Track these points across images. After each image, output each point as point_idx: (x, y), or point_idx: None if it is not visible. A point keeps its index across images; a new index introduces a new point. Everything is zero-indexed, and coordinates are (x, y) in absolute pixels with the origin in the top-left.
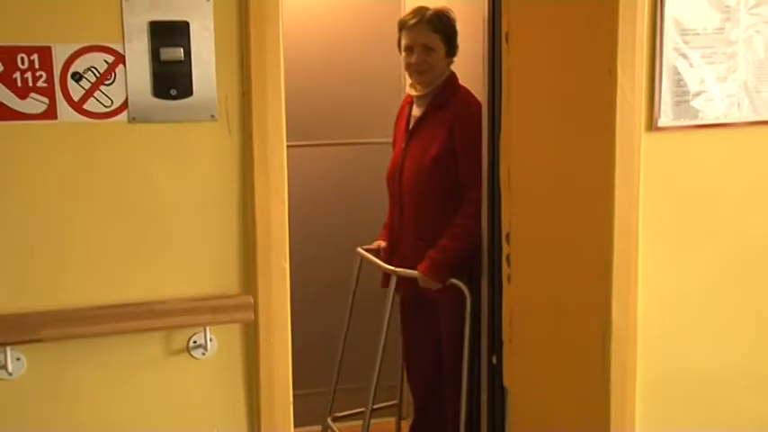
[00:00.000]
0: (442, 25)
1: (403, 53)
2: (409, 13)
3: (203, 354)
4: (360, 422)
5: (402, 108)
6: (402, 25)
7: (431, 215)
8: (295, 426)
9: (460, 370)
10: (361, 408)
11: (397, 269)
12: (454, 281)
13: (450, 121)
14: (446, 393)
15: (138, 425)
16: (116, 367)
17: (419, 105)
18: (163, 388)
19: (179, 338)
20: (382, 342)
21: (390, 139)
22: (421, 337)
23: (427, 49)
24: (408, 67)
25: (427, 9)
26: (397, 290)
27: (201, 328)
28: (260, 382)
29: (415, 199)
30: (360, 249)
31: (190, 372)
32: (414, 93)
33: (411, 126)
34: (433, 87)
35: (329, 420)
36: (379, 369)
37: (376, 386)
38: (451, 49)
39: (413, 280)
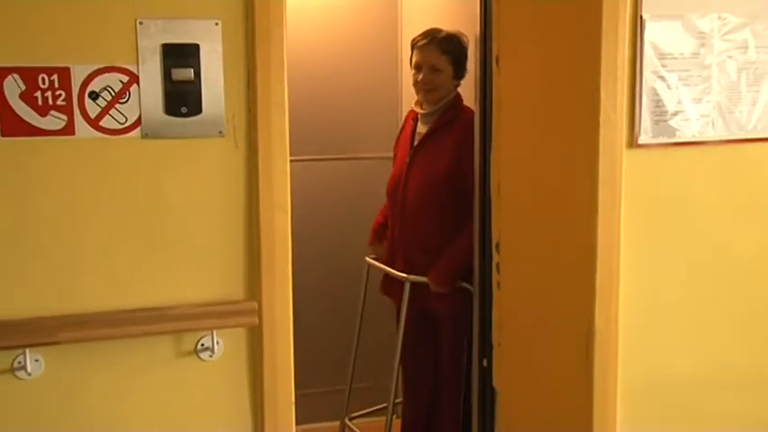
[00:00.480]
0: (451, 48)
1: (413, 71)
2: (422, 34)
3: (210, 356)
4: (372, 419)
5: (405, 122)
6: (414, 44)
7: (433, 227)
8: (313, 421)
9: (458, 373)
10: (371, 406)
11: (410, 276)
12: (465, 284)
13: (458, 140)
14: (445, 395)
15: (149, 423)
16: (129, 368)
17: (424, 123)
18: (172, 388)
19: (188, 341)
20: (399, 347)
21: (387, 154)
22: (420, 346)
23: (435, 69)
24: (416, 84)
25: (440, 31)
26: (392, 297)
27: (209, 332)
28: (264, 382)
29: (419, 212)
30: (368, 258)
31: (197, 373)
32: (419, 110)
33: (416, 142)
34: (439, 107)
35: (346, 420)
36: (397, 372)
37: (396, 386)
38: (459, 71)
39: (419, 291)
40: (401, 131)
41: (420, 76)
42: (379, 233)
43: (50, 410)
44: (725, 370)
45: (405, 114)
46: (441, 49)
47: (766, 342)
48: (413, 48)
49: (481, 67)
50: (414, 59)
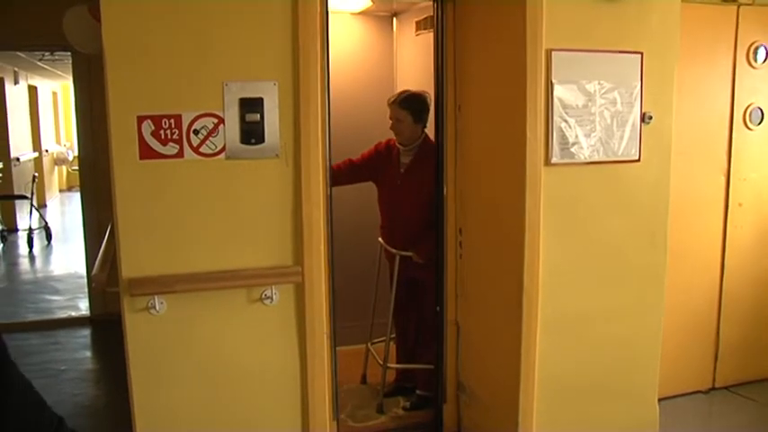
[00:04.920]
0: (408, 104)
1: (389, 120)
2: (394, 94)
3: (270, 302)
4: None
5: (393, 152)
6: (388, 103)
7: (420, 223)
8: (344, 345)
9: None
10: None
11: (400, 252)
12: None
13: (436, 168)
14: (429, 331)
15: (231, 344)
16: (219, 309)
17: (406, 155)
18: (246, 323)
19: (256, 292)
20: (393, 300)
21: None
22: (409, 301)
23: (397, 120)
24: (391, 128)
25: (405, 92)
26: (390, 264)
27: (269, 286)
28: (305, 319)
29: (412, 213)
30: (379, 239)
31: (262, 313)
32: (401, 147)
33: (403, 170)
34: (415, 145)
35: (369, 345)
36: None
37: (390, 323)
38: (418, 118)
39: (408, 262)
40: (388, 156)
41: (390, 124)
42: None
43: (171, 335)
44: (604, 309)
45: (381, 140)
46: (400, 106)
47: (629, 291)
48: (388, 105)
49: (437, 114)
50: (389, 113)
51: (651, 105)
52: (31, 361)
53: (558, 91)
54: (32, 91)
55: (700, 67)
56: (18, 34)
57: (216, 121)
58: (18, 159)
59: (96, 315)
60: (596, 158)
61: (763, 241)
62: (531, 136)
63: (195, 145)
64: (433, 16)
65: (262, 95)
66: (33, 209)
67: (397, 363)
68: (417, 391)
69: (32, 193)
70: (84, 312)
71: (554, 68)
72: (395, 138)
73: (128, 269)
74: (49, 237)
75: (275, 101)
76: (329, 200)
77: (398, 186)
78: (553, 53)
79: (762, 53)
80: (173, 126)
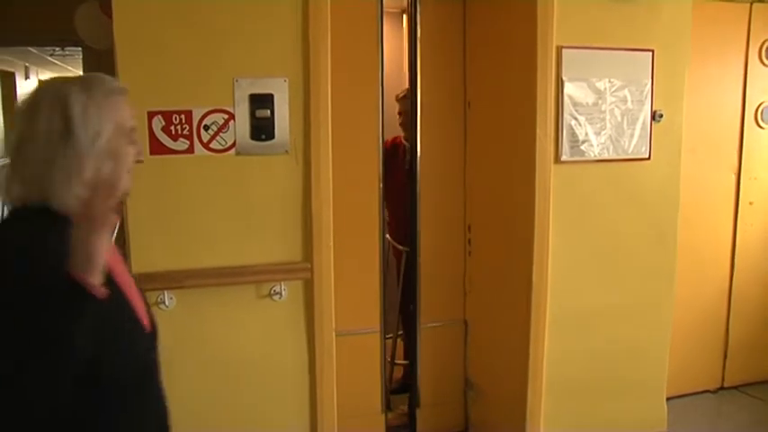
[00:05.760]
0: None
1: (398, 116)
2: (403, 90)
3: (279, 298)
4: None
5: (399, 149)
6: (397, 98)
7: None
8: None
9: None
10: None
11: (407, 249)
12: None
13: (410, 165)
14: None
15: (239, 338)
16: (228, 305)
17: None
18: (254, 318)
19: (264, 288)
20: (399, 290)
21: None
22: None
23: (405, 115)
24: (401, 125)
25: None
26: (397, 259)
27: (278, 282)
28: (313, 315)
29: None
30: (387, 236)
31: (271, 309)
32: (406, 143)
33: (409, 167)
34: None
35: None
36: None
37: (398, 320)
38: None
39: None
40: (394, 153)
41: (401, 119)
42: None
43: (179, 329)
44: (611, 306)
45: (386, 137)
46: (411, 101)
47: (638, 289)
48: (397, 100)
49: (412, 109)
50: (398, 108)
51: (662, 103)
52: None
53: (569, 88)
54: None
55: (711, 65)
56: (29, 29)
57: (226, 116)
58: None
59: None
60: (606, 156)
61: None
62: (540, 133)
63: (205, 141)
64: (407, 11)
65: (272, 92)
66: None
67: (404, 359)
68: None
69: None
70: None
71: (564, 66)
72: (402, 133)
73: (137, 264)
74: None
75: (285, 97)
76: (381, 191)
77: (405, 183)
78: (564, 50)
79: None
80: (183, 122)
